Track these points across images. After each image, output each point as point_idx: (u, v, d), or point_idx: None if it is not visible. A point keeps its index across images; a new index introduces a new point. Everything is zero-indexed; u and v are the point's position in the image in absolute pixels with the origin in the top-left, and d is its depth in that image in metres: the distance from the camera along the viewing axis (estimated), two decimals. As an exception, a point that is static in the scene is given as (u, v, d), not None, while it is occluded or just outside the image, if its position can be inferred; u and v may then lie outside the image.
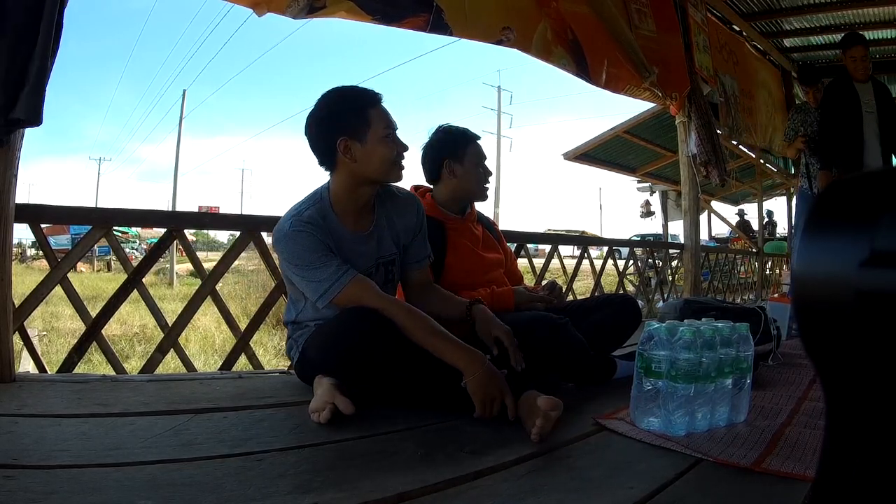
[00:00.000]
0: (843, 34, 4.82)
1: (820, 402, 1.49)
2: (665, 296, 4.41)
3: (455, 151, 1.77)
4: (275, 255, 1.91)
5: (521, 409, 1.23)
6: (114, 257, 14.84)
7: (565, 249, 3.83)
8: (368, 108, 1.39)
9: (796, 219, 3.93)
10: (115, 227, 1.92)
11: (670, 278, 4.65)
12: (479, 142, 1.84)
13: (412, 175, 2.04)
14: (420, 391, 1.30)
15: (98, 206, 6.88)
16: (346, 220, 1.44)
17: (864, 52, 3.51)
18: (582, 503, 0.88)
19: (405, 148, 1.45)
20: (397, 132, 1.43)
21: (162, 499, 0.83)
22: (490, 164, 1.86)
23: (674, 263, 4.87)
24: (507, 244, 2.08)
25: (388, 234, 1.52)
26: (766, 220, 4.19)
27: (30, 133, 1.50)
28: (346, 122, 1.37)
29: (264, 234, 2.20)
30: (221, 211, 22.42)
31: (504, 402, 1.24)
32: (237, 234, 2.25)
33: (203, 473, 0.93)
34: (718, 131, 4.09)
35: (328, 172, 1.45)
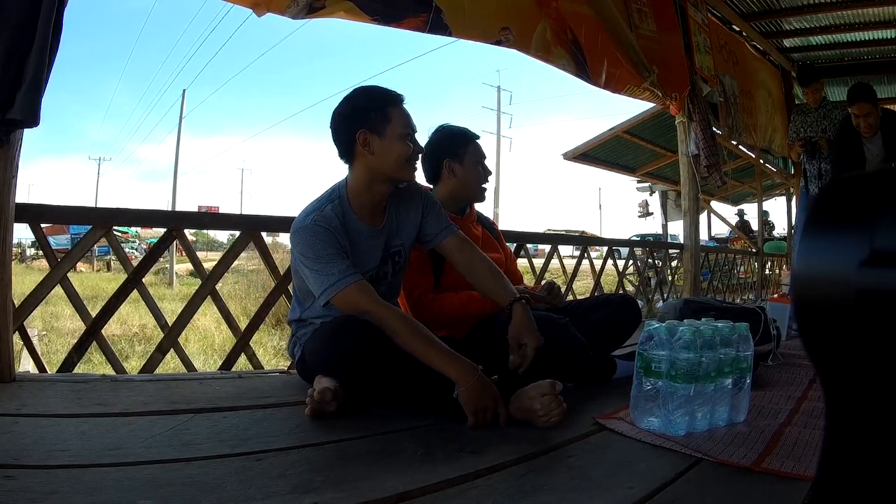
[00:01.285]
0: (842, 34, 4.85)
1: (819, 402, 1.48)
2: (665, 296, 4.41)
3: (455, 151, 1.77)
4: (276, 256, 1.91)
5: (515, 410, 1.25)
6: (113, 257, 14.84)
7: (565, 249, 3.83)
8: (389, 106, 1.44)
9: (797, 219, 3.96)
10: (115, 227, 1.92)
11: (670, 278, 4.65)
12: (478, 141, 1.84)
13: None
14: (414, 399, 1.31)
15: (98, 205, 6.88)
16: (363, 216, 1.47)
17: (867, 110, 3.07)
18: (582, 503, 0.88)
19: (421, 149, 1.50)
20: (416, 134, 1.48)
21: (162, 499, 0.83)
22: (490, 164, 1.86)
23: (673, 263, 4.87)
24: (507, 244, 2.08)
25: (397, 229, 1.55)
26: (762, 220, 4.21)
27: (29, 133, 1.50)
28: (367, 116, 1.42)
29: (264, 234, 2.21)
30: (221, 211, 22.37)
31: (497, 410, 1.24)
32: (237, 233, 2.25)
33: (203, 473, 0.93)
34: (718, 131, 4.09)
35: (347, 166, 1.49)
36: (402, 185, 1.54)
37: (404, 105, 1.47)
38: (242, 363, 2.07)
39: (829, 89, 5.85)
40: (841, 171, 3.38)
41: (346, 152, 1.46)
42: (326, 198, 1.46)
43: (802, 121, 3.83)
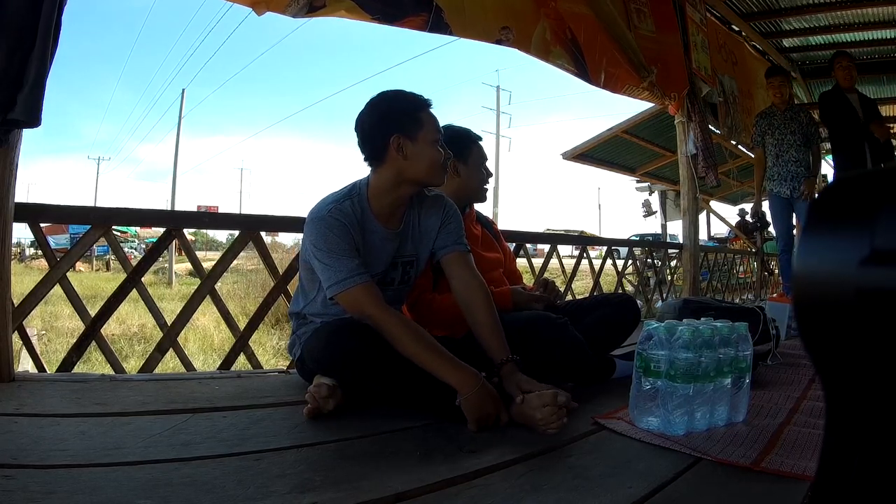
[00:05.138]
0: (842, 34, 4.87)
1: (819, 401, 1.49)
2: (664, 296, 4.41)
3: (461, 151, 1.77)
4: (275, 255, 1.90)
5: (516, 414, 1.24)
6: (113, 257, 14.83)
7: (564, 249, 3.83)
8: (420, 110, 1.43)
9: (774, 224, 3.97)
10: (114, 227, 1.92)
11: (669, 278, 4.65)
12: (481, 143, 1.85)
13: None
14: (414, 402, 1.30)
15: (97, 205, 6.87)
16: (381, 216, 1.46)
17: (846, 62, 3.75)
18: (581, 502, 0.88)
19: (450, 154, 1.48)
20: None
21: (161, 499, 0.83)
22: (489, 163, 1.86)
23: (672, 263, 4.87)
24: (506, 244, 2.08)
25: (412, 236, 1.52)
26: (756, 218, 4.10)
27: (28, 132, 1.50)
28: (400, 121, 1.41)
29: (263, 234, 2.21)
30: (220, 210, 22.34)
31: (499, 415, 1.24)
32: (236, 233, 2.25)
33: (202, 473, 0.93)
34: (717, 131, 4.09)
35: (371, 168, 1.47)
36: (431, 193, 1.54)
37: (431, 110, 1.45)
38: (241, 363, 2.07)
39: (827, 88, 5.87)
40: (840, 124, 3.70)
41: (377, 156, 1.43)
42: (346, 193, 1.44)
43: (768, 124, 3.80)
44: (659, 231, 10.59)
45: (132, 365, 4.08)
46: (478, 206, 1.93)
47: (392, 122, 1.40)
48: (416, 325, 1.33)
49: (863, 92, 3.90)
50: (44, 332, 6.07)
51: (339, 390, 1.30)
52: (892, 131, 3.73)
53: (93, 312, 1.83)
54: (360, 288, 1.31)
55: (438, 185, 1.50)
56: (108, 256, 17.91)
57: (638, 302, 2.63)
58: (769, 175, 3.80)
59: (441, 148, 1.44)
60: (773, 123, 3.76)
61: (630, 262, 4.32)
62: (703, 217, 8.73)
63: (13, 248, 1.70)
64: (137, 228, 17.03)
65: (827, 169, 6.74)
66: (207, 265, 2.11)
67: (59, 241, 14.36)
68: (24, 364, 2.17)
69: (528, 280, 2.21)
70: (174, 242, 2.05)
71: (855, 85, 3.76)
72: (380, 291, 1.35)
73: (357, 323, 1.30)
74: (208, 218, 2.37)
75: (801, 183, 3.66)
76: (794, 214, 3.78)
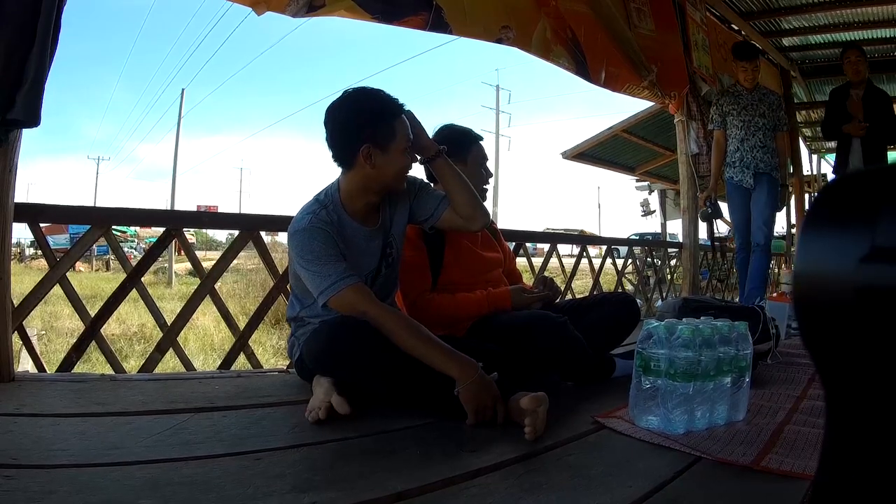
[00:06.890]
0: (841, 33, 4.87)
1: (818, 400, 1.49)
2: (664, 295, 4.41)
3: (459, 151, 1.76)
4: (275, 255, 1.90)
5: (512, 411, 1.24)
6: (112, 257, 14.82)
7: (564, 248, 3.83)
8: (394, 118, 1.43)
9: (730, 212, 3.58)
10: (114, 227, 1.92)
11: (669, 277, 4.65)
12: (481, 143, 1.84)
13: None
14: (413, 398, 1.30)
15: (96, 205, 6.87)
16: (358, 218, 1.47)
17: (858, 55, 3.69)
18: (581, 501, 0.89)
19: (416, 160, 1.51)
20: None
21: (161, 498, 0.83)
22: (489, 162, 1.86)
23: (672, 262, 4.87)
24: (506, 243, 2.08)
25: (392, 227, 1.55)
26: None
27: (28, 132, 1.50)
28: (373, 130, 1.40)
29: (263, 234, 2.21)
30: (220, 210, 22.28)
31: (496, 408, 1.24)
32: (236, 233, 2.25)
33: (202, 473, 0.93)
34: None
35: (340, 169, 1.47)
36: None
37: (404, 114, 1.45)
38: (241, 362, 2.07)
39: (827, 87, 5.87)
40: (830, 121, 3.70)
41: (345, 161, 1.44)
42: (320, 202, 1.45)
43: (734, 102, 3.41)
44: (659, 230, 10.60)
45: (132, 365, 4.08)
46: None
47: (365, 131, 1.39)
48: (412, 320, 1.35)
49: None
50: (44, 332, 6.06)
51: (346, 404, 1.25)
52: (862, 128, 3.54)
53: (93, 312, 1.83)
54: (350, 289, 1.33)
55: (400, 191, 1.52)
56: (107, 256, 17.89)
57: (638, 301, 2.64)
58: (729, 161, 3.41)
59: (411, 155, 1.47)
60: (740, 102, 3.40)
61: (630, 261, 4.32)
62: (702, 216, 8.70)
63: (13, 248, 1.70)
64: (137, 228, 17.03)
65: (826, 168, 6.73)
66: (207, 265, 2.11)
67: (58, 241, 14.31)
68: (24, 364, 2.16)
69: (527, 279, 2.21)
70: (174, 242, 2.05)
71: (865, 79, 3.63)
72: (370, 290, 1.37)
73: (356, 321, 1.31)
74: (208, 218, 2.38)
75: (764, 171, 3.31)
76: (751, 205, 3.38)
